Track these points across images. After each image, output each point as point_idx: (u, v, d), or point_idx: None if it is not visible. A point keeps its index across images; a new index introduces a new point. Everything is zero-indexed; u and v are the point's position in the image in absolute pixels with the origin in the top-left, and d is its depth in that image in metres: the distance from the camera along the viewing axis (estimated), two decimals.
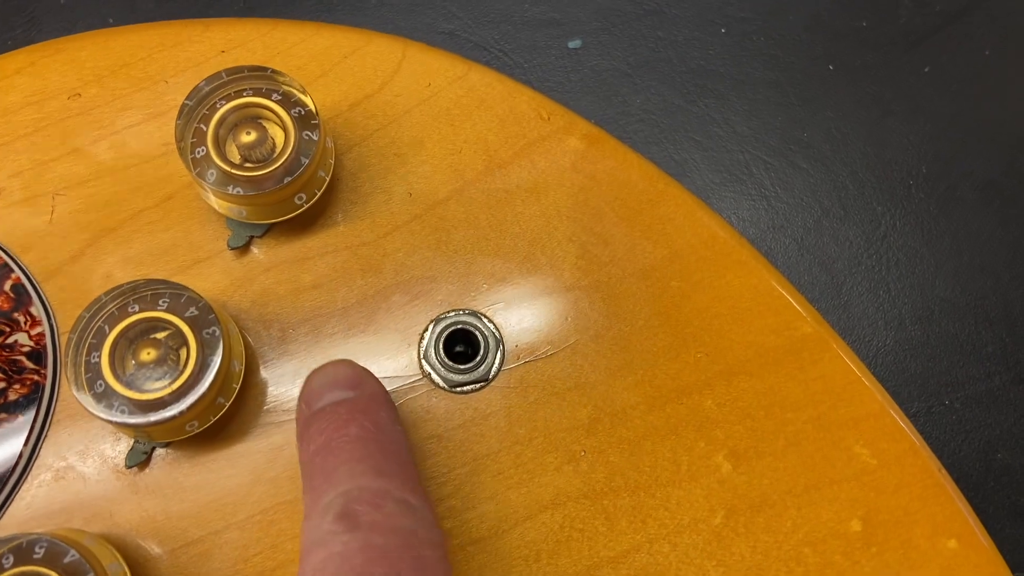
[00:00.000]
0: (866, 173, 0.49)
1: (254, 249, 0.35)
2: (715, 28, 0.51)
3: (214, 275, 0.35)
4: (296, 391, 0.33)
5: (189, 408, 0.29)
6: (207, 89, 0.33)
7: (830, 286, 0.47)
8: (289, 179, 0.32)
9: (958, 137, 0.50)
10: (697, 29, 0.51)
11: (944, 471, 0.35)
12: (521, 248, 0.36)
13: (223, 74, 0.33)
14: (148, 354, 0.30)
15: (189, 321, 0.30)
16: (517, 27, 0.51)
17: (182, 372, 0.30)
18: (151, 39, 0.38)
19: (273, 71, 0.33)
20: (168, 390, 0.29)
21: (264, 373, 0.34)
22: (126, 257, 0.35)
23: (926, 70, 0.51)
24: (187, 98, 0.33)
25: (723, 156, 0.49)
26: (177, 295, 0.31)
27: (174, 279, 0.33)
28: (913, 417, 0.46)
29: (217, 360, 0.30)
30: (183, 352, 0.30)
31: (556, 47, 0.51)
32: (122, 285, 0.30)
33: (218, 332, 0.30)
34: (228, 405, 0.32)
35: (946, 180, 0.49)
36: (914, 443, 0.35)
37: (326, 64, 0.38)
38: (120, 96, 0.36)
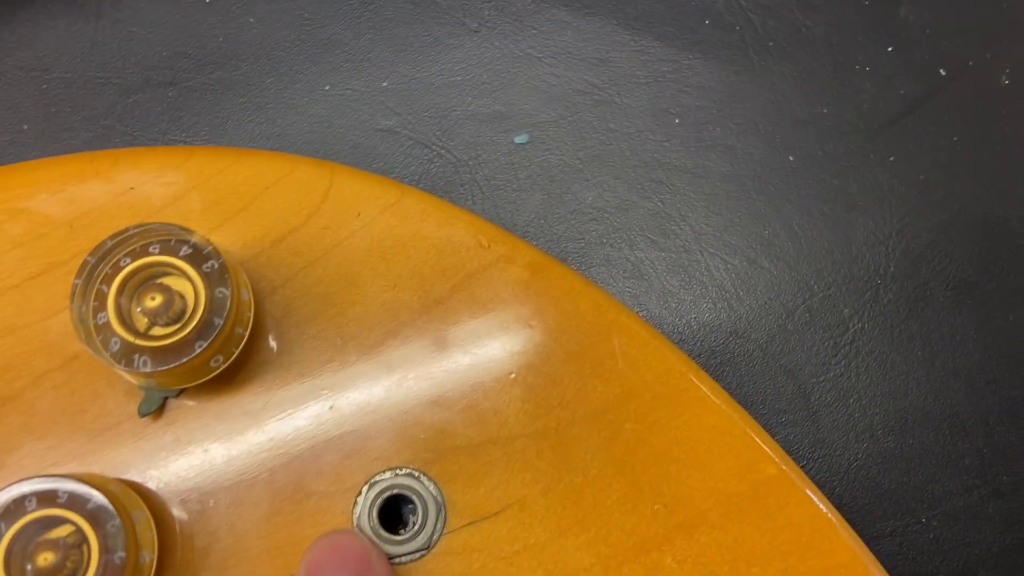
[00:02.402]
0: (831, 272, 0.47)
1: (168, 411, 0.33)
2: (669, 118, 0.49)
3: (125, 442, 0.32)
4: (218, 573, 0.31)
5: None
6: (110, 245, 0.31)
7: (797, 395, 0.46)
8: (202, 344, 0.30)
9: (927, 231, 0.48)
10: (651, 120, 0.49)
11: None
12: (462, 393, 0.34)
13: (131, 230, 0.31)
14: (45, 559, 0.27)
15: (90, 516, 0.28)
16: (459, 122, 0.49)
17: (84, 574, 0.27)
18: (52, 174, 0.35)
19: (182, 227, 0.31)
20: None
21: (183, 555, 0.31)
22: (27, 426, 0.32)
23: (891, 159, 0.49)
24: (89, 254, 0.30)
25: (681, 256, 0.47)
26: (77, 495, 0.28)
27: (82, 448, 0.30)
28: (888, 536, 0.45)
29: (120, 557, 0.27)
30: (83, 550, 0.28)
31: (502, 142, 0.49)
32: (11, 485, 0.28)
33: (119, 523, 0.28)
34: None
35: (916, 279, 0.47)
36: None
37: (247, 196, 0.35)
38: (19, 244, 0.34)
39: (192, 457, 0.32)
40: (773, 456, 0.35)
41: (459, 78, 0.51)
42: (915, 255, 0.47)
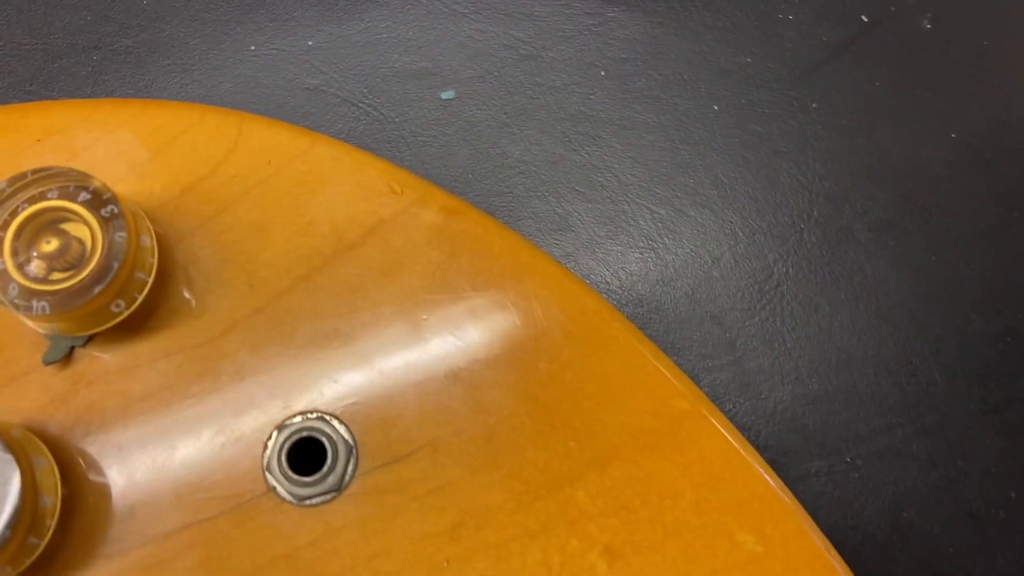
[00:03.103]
0: (756, 219, 0.47)
1: (77, 359, 0.32)
2: (595, 71, 0.49)
3: (32, 392, 0.32)
4: (127, 519, 0.31)
5: None
6: (7, 190, 0.30)
7: (723, 341, 0.46)
8: (99, 288, 0.29)
9: (849, 175, 0.48)
10: (576, 73, 0.49)
11: (834, 551, 0.33)
12: (373, 338, 0.34)
13: (28, 174, 0.30)
14: None
15: None
16: (386, 79, 0.49)
17: None
18: None
19: (80, 172, 0.30)
20: None
21: (91, 501, 0.31)
22: None
23: (814, 106, 0.49)
24: None
25: (608, 207, 0.47)
26: None
27: None
28: (814, 476, 0.45)
29: (14, 499, 0.27)
30: None
31: (429, 98, 0.48)
32: None
33: (12, 465, 0.28)
34: (43, 544, 0.29)
35: (839, 222, 0.48)
36: (801, 525, 0.33)
37: (154, 147, 0.35)
38: None
39: (100, 405, 0.32)
40: (685, 392, 0.35)
41: (384, 35, 0.50)
42: (838, 199, 0.48)
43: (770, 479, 0.34)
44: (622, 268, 0.46)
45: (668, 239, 0.47)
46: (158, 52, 0.49)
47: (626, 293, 0.46)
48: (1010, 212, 0.48)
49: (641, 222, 0.47)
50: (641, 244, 0.46)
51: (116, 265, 0.30)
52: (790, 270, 0.47)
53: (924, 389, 0.46)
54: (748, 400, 0.45)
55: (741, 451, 0.34)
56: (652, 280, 0.46)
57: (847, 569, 0.33)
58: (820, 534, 0.33)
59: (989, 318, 0.46)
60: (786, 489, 0.34)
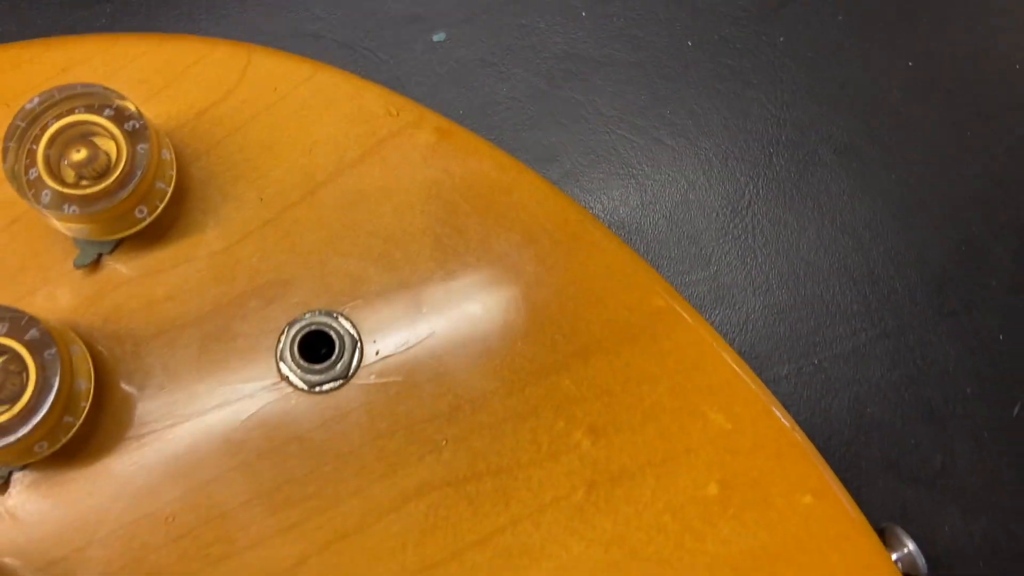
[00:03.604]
0: (728, 145, 0.50)
1: (104, 266, 0.35)
2: (576, 12, 0.52)
3: (64, 295, 0.35)
4: (154, 405, 0.34)
5: (33, 430, 0.30)
6: (38, 109, 0.33)
7: (699, 258, 0.49)
8: (123, 193, 0.32)
9: (815, 104, 0.51)
10: (558, 14, 0.52)
11: (799, 429, 0.36)
12: (375, 246, 0.37)
13: (55, 92, 0.33)
14: None
15: (28, 344, 0.30)
16: (381, 24, 0.51)
17: (22, 395, 0.30)
18: None
19: (105, 88, 0.33)
20: (9, 414, 0.29)
21: (121, 389, 0.34)
22: None
23: (781, 39, 0.52)
24: (16, 118, 0.33)
25: (590, 138, 0.50)
26: (16, 319, 0.31)
27: (23, 302, 0.33)
28: (784, 379, 0.48)
29: (56, 381, 0.30)
30: (23, 376, 0.30)
31: (421, 41, 0.51)
32: None
33: (55, 351, 0.30)
34: (79, 424, 0.32)
35: (805, 146, 0.50)
36: (767, 405, 0.36)
37: (169, 75, 0.38)
38: None
39: (127, 306, 0.35)
40: (661, 291, 0.37)
41: None
42: (804, 125, 0.50)
43: (736, 366, 0.37)
44: (604, 194, 0.49)
45: (647, 166, 0.50)
46: (167, 4, 0.51)
47: (608, 216, 0.49)
48: (964, 135, 0.51)
49: (622, 151, 0.50)
50: (622, 172, 0.49)
51: (139, 173, 0.33)
52: (760, 191, 0.50)
53: (885, 297, 0.49)
54: (723, 311, 0.48)
55: (711, 342, 0.37)
56: (632, 204, 0.49)
57: (809, 442, 0.36)
58: (785, 413, 0.36)
59: (945, 231, 0.49)
60: (752, 374, 0.37)
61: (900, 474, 0.49)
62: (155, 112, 0.37)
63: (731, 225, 0.49)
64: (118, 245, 0.35)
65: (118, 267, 0.35)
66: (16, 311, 0.31)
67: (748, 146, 0.50)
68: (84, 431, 0.32)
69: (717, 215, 0.49)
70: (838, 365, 0.48)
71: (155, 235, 0.36)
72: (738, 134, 0.50)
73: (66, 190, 0.32)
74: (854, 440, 0.47)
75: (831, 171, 0.50)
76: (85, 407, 0.32)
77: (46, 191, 0.32)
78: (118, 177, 0.32)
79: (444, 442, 0.34)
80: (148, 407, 0.34)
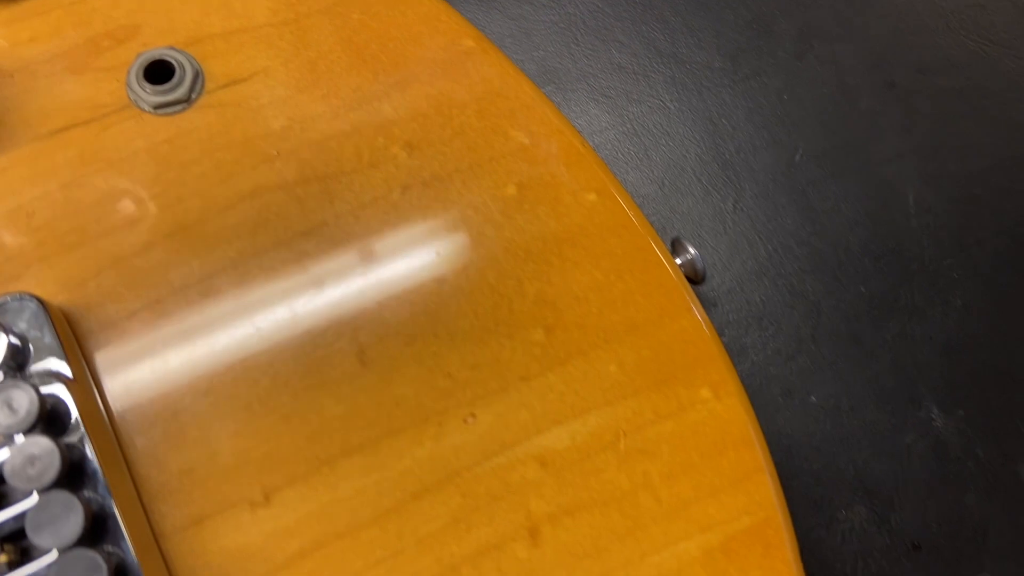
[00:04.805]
0: None
1: None
2: None
3: None
4: (13, 121, 0.38)
5: None
6: None
7: None
8: None
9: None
10: None
11: (588, 144, 0.41)
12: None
13: None
14: None
15: None
16: None
17: None
18: None
19: None
20: None
21: None
22: None
23: None
24: None
25: None
26: None
27: None
28: (602, 131, 0.53)
29: None
30: None
31: None
32: None
33: None
34: None
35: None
36: (559, 125, 0.41)
37: None
38: None
39: None
40: (472, 34, 0.42)
41: None
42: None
43: (535, 94, 0.42)
44: None
45: None
46: None
47: None
48: None
49: None
50: None
51: None
52: None
53: (688, 68, 0.54)
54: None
55: (514, 74, 0.42)
56: None
57: (595, 154, 0.41)
58: (576, 132, 0.41)
59: (738, 11, 0.55)
60: (549, 101, 0.42)
61: (699, 205, 0.54)
62: None
63: None
64: None
65: None
66: None
67: None
68: None
69: None
70: (648, 117, 0.53)
71: None
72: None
73: None
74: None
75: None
76: None
77: None
78: None
79: (276, 154, 0.39)
80: (9, 121, 0.38)
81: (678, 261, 0.43)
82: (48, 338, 0.33)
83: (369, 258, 0.38)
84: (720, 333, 0.52)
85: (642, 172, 0.53)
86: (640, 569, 0.35)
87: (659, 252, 0.39)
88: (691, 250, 0.42)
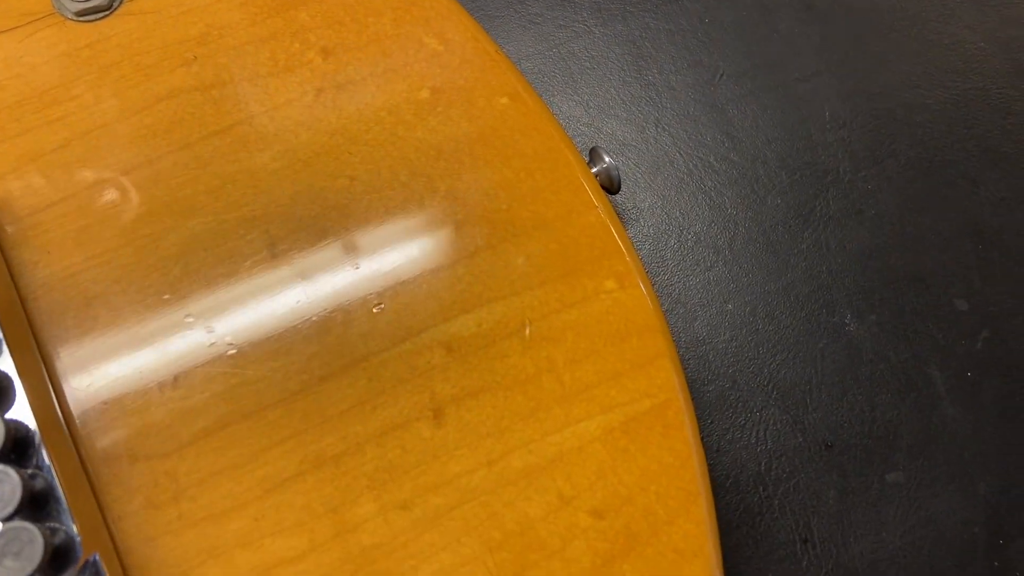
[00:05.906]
0: None
1: None
2: None
3: None
4: None
5: None
6: None
7: None
8: None
9: None
10: None
11: (499, 48, 0.42)
12: None
13: None
14: None
15: None
16: None
17: None
18: None
19: None
20: None
21: None
22: None
23: None
24: None
25: None
26: None
27: None
28: (528, 57, 0.53)
29: None
30: None
31: None
32: None
33: None
34: None
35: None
36: (474, 32, 0.42)
37: None
38: None
39: None
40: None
41: None
42: None
43: (449, 1, 0.42)
44: None
45: None
46: None
47: None
48: None
49: None
50: None
51: None
52: None
53: None
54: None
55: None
56: None
57: (512, 65, 0.42)
58: (489, 39, 0.42)
59: None
60: (460, 7, 0.42)
61: (622, 126, 0.54)
62: None
63: None
64: None
65: None
66: None
67: None
68: None
69: None
70: (574, 42, 0.53)
71: None
72: None
73: None
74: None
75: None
76: None
77: None
78: None
79: (193, 58, 0.40)
80: None
81: (594, 169, 0.44)
82: None
83: (281, 156, 0.39)
84: (640, 246, 0.53)
85: (568, 95, 0.53)
86: (541, 446, 0.35)
87: (568, 152, 0.40)
88: (606, 158, 0.43)
